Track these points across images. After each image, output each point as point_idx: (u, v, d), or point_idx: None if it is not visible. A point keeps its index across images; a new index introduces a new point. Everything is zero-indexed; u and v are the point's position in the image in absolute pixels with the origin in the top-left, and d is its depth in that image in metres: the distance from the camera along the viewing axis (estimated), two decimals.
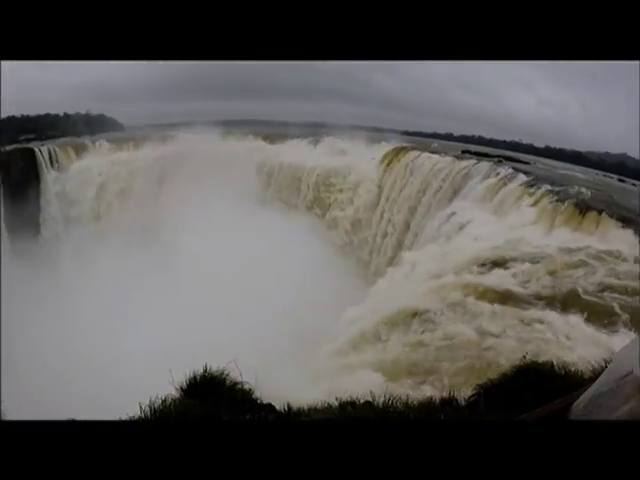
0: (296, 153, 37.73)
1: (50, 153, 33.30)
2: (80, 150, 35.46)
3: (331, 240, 30.66)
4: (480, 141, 41.57)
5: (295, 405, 3.58)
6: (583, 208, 18.45)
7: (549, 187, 21.44)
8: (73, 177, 33.28)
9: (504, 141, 42.20)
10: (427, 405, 3.71)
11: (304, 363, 14.10)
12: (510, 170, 24.70)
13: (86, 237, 31.08)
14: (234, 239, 26.56)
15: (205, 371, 4.72)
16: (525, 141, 43.82)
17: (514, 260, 15.02)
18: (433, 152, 30.12)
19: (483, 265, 15.55)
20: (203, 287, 21.89)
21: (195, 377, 4.60)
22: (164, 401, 3.96)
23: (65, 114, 42.42)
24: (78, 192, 33.09)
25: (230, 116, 46.13)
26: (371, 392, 3.44)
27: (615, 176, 33.52)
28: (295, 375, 12.19)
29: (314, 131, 40.14)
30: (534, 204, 20.40)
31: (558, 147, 42.89)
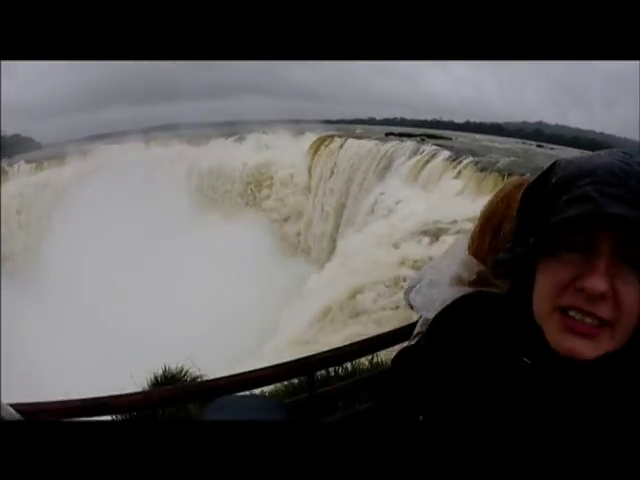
0: (223, 153, 37.15)
1: None
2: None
3: (270, 233, 30.57)
4: (403, 122, 42.27)
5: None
6: (506, 174, 19.26)
7: (471, 158, 22.43)
8: None
9: (425, 120, 43.24)
10: None
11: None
12: (433, 147, 25.59)
13: None
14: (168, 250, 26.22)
15: (165, 371, 4.82)
16: (445, 118, 45.27)
17: (446, 231, 15.71)
18: (358, 137, 30.55)
19: (419, 239, 16.19)
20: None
21: (156, 377, 4.69)
22: None
23: None
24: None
25: (149, 122, 44.85)
26: None
27: (534, 143, 35.17)
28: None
29: (237, 129, 39.72)
30: (457, 176, 21.35)
31: (478, 121, 44.49)
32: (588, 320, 0.69)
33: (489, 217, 1.75)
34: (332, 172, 28.47)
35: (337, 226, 26.68)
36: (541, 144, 34.42)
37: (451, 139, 32.37)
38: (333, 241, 25.97)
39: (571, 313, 0.70)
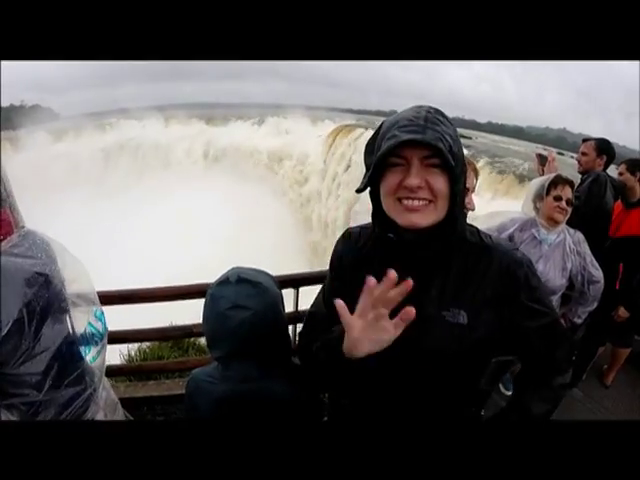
0: (241, 134, 37.25)
1: None
2: (17, 144, 33.31)
3: (281, 219, 30.62)
4: None
5: None
6: (523, 179, 19.18)
7: (488, 159, 22.17)
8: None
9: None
10: None
11: None
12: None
13: None
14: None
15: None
16: (468, 117, 44.70)
17: None
18: None
19: None
20: None
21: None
22: (139, 348, 4.14)
23: None
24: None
25: (168, 100, 44.74)
26: None
27: (555, 149, 34.61)
28: None
29: (257, 112, 39.53)
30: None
31: (500, 122, 43.97)
32: (415, 202, 1.09)
33: None
34: (349, 162, 28.27)
35: (347, 218, 26.52)
36: (562, 152, 33.87)
37: (471, 138, 31.95)
38: (343, 228, 25.75)
39: (404, 201, 1.10)
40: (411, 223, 1.10)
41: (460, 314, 1.18)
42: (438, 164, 1.07)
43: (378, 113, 44.57)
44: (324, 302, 1.39)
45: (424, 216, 1.10)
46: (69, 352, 1.39)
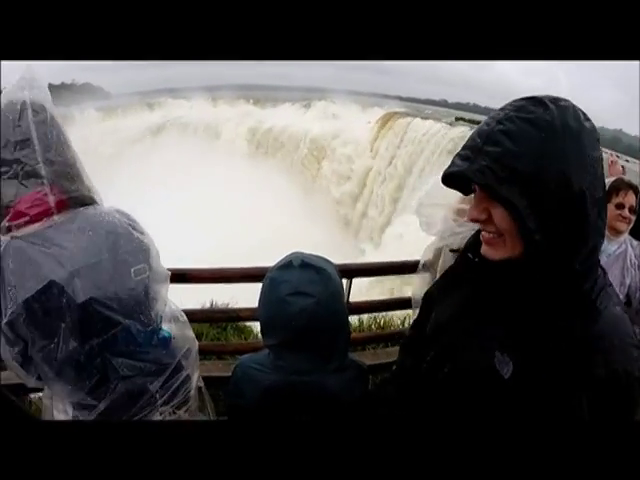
0: (288, 117, 37.27)
1: None
2: (68, 120, 34.00)
3: (322, 204, 30.46)
4: (475, 109, 41.03)
5: None
6: None
7: None
8: None
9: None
10: None
11: None
12: None
13: None
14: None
15: (211, 304, 4.93)
16: None
17: None
18: (426, 118, 29.48)
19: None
20: None
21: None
22: None
23: (50, 84, 40.45)
24: None
25: (216, 81, 45.31)
26: None
27: (609, 151, 33.29)
28: None
29: (306, 95, 39.58)
30: None
31: None
32: (485, 234, 0.97)
33: None
34: (396, 151, 27.76)
35: (393, 207, 26.12)
36: (618, 154, 32.40)
37: None
38: (386, 221, 25.45)
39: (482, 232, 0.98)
40: (484, 254, 1.00)
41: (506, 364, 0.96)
42: (496, 197, 0.91)
43: (427, 101, 43.75)
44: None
45: (494, 250, 0.98)
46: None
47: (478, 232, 1.04)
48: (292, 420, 1.37)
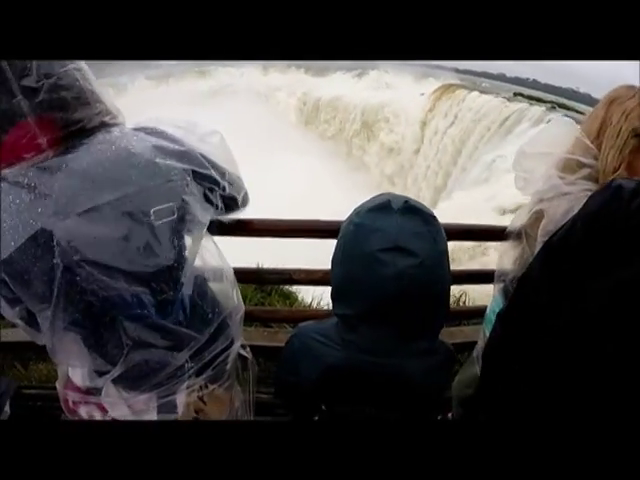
0: (340, 86, 36.59)
1: None
2: (120, 89, 34.74)
3: (371, 176, 30.08)
4: (534, 85, 39.24)
5: None
6: None
7: None
8: None
9: (560, 87, 39.62)
10: None
11: None
12: (563, 118, 23.26)
13: None
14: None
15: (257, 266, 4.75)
16: (583, 90, 41.24)
17: None
18: (483, 92, 28.37)
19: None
20: None
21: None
22: None
23: None
24: None
25: None
26: None
27: None
28: None
29: (358, 64, 38.87)
30: None
31: None
32: None
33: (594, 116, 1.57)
34: (450, 125, 27.04)
35: (444, 182, 25.60)
36: None
37: (584, 114, 29.33)
38: (436, 196, 25.00)
39: None
40: None
41: None
42: None
43: (484, 74, 42.21)
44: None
45: None
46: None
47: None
48: (354, 411, 1.13)
